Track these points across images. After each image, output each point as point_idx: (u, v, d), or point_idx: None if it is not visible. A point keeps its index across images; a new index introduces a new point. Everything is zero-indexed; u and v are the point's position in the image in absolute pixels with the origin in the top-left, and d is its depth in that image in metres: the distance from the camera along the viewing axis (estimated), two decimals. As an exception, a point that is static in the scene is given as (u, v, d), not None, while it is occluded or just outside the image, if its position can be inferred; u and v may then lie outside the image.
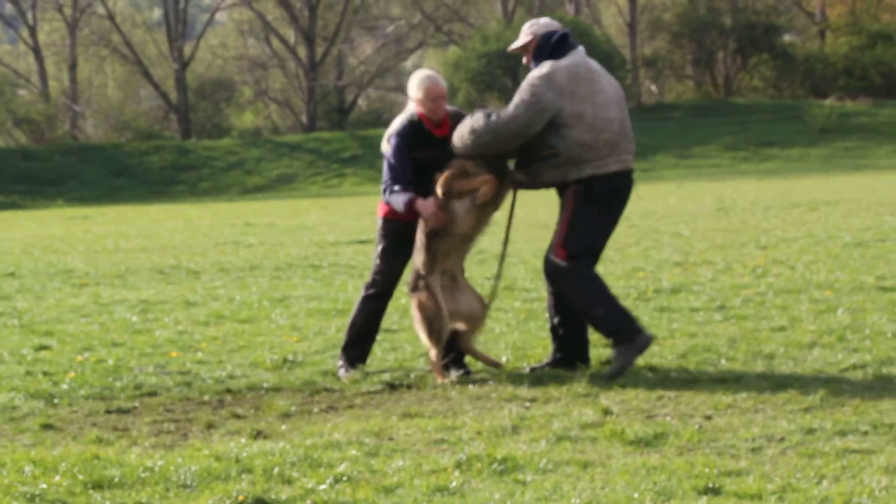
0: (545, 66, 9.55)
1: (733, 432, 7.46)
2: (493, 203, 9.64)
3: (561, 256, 9.47)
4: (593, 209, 9.52)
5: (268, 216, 36.19)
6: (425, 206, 9.50)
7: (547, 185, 9.70)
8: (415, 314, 9.73)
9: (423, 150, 9.69)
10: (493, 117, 9.49)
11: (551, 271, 9.54)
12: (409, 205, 9.53)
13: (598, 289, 9.49)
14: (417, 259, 9.69)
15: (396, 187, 9.63)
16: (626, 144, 9.63)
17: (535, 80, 9.50)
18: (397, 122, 9.82)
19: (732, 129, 67.53)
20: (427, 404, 8.72)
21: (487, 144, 9.49)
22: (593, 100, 9.49)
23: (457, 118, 9.82)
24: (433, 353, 9.62)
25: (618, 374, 9.23)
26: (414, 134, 9.71)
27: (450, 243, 9.63)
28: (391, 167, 9.70)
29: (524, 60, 9.86)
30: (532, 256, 17.71)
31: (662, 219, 26.20)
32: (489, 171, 9.55)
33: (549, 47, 9.64)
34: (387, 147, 9.76)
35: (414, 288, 9.71)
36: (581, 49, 9.76)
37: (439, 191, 9.52)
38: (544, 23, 9.80)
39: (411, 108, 9.82)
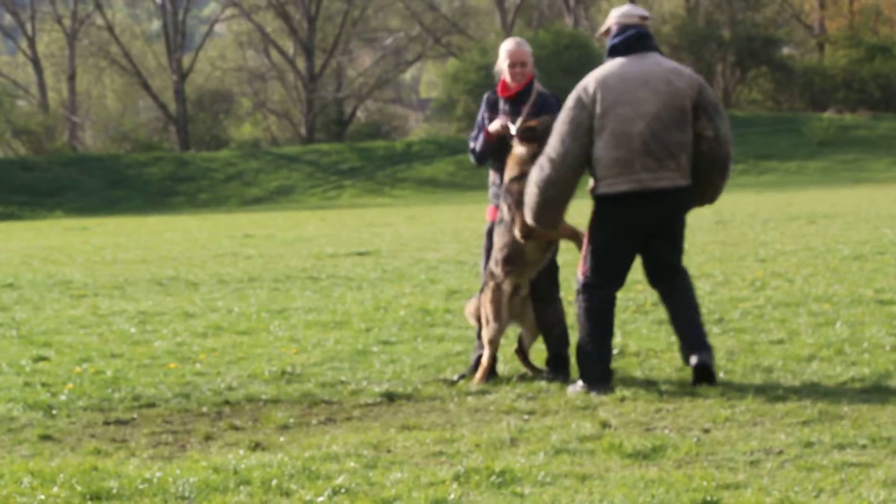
0: (583, 82, 9.22)
1: (731, 445, 7.45)
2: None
3: (581, 272, 9.48)
4: (604, 229, 9.39)
5: (266, 228, 36.19)
6: (493, 126, 9.97)
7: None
8: (484, 309, 9.99)
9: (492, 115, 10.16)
10: (547, 169, 9.17)
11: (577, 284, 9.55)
12: (486, 137, 10.03)
13: (596, 323, 9.35)
14: (494, 265, 9.93)
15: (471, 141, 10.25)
16: (648, 163, 9.14)
17: (570, 102, 9.17)
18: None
19: (731, 142, 67.54)
20: (425, 416, 8.72)
21: (555, 196, 9.29)
22: (615, 112, 9.08)
23: (544, 102, 9.98)
24: (487, 353, 9.84)
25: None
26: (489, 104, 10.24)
27: (522, 267, 9.89)
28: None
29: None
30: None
31: (661, 231, 26.15)
32: None
33: (616, 44, 9.29)
34: None
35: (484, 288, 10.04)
36: (648, 53, 9.27)
37: (518, 235, 9.71)
38: (626, 11, 9.34)
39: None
